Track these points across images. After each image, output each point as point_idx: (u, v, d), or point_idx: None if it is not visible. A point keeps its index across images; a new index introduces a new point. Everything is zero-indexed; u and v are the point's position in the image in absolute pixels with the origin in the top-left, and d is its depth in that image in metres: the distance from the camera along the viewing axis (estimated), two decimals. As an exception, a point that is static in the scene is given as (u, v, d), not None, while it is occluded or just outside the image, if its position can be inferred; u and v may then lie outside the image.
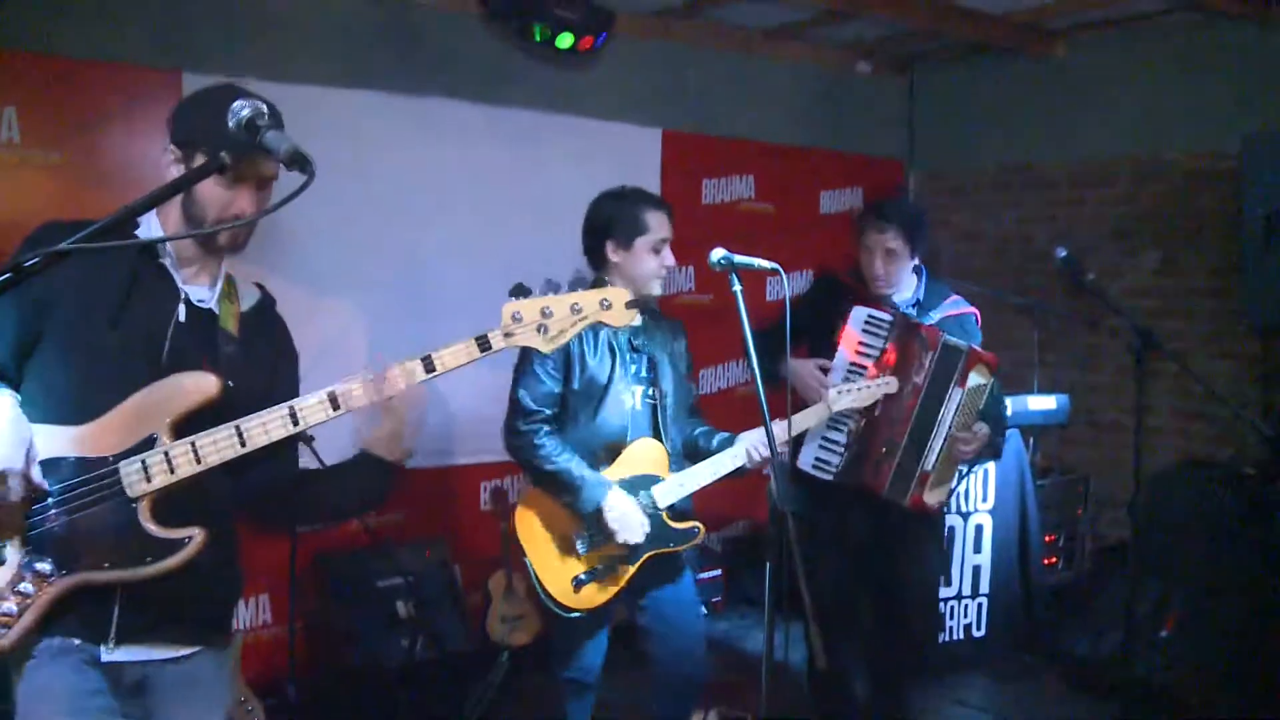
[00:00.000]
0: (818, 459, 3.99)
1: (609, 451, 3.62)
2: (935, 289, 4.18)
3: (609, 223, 3.63)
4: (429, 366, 2.29)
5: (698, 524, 3.70)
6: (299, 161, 1.86)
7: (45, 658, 2.17)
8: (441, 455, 5.51)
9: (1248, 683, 4.53)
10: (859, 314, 3.97)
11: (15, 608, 2.09)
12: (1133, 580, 4.48)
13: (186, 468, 2.16)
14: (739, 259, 3.15)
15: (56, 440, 2.14)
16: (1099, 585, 5.52)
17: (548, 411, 3.57)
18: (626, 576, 3.60)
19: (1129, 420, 4.58)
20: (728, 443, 3.68)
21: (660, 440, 3.68)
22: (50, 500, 2.12)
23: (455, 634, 5.17)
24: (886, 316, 3.96)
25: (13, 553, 2.11)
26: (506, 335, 2.33)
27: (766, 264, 3.14)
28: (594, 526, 3.55)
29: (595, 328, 3.35)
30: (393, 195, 5.35)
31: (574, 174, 5.67)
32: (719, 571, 6.10)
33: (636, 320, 2.53)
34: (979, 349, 3.95)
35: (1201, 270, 5.97)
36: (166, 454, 2.15)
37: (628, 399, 3.64)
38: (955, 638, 5.53)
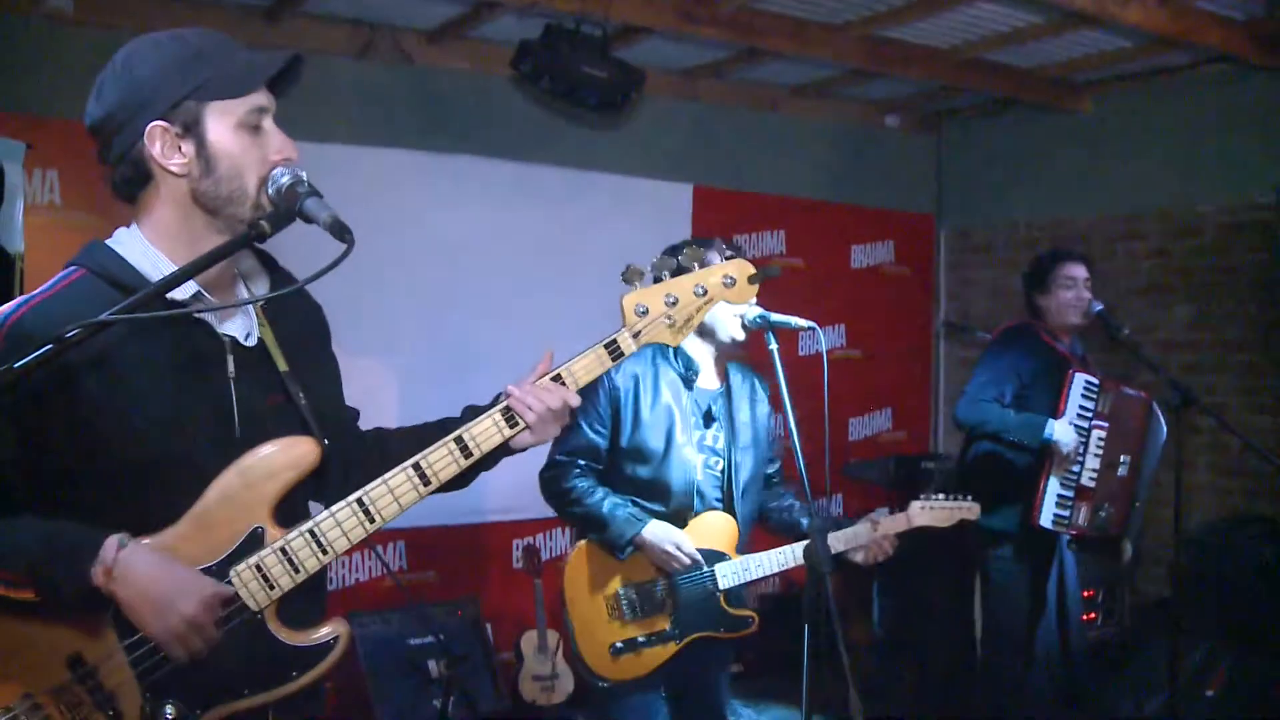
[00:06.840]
0: (1058, 516, 4.34)
1: (674, 518, 3.30)
2: (1079, 344, 4.70)
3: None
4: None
5: (752, 614, 3.41)
6: (339, 230, 1.76)
7: None
8: (473, 513, 5.48)
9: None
10: (1079, 380, 4.36)
11: None
12: (1177, 638, 4.40)
13: (312, 562, 1.85)
14: (775, 317, 3.11)
15: None
16: (1141, 643, 5.41)
17: (582, 462, 3.32)
18: (669, 655, 3.30)
19: (1166, 475, 4.54)
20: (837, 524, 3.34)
21: (732, 514, 3.38)
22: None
23: (487, 694, 5.13)
24: (1096, 381, 4.38)
25: (129, 704, 1.77)
26: (636, 335, 2.03)
27: (803, 322, 3.09)
28: (643, 593, 3.29)
29: (655, 377, 3.34)
30: (424, 253, 5.39)
31: (605, 230, 5.72)
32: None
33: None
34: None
35: (1236, 323, 5.92)
36: (284, 551, 1.83)
37: (694, 461, 3.33)
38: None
